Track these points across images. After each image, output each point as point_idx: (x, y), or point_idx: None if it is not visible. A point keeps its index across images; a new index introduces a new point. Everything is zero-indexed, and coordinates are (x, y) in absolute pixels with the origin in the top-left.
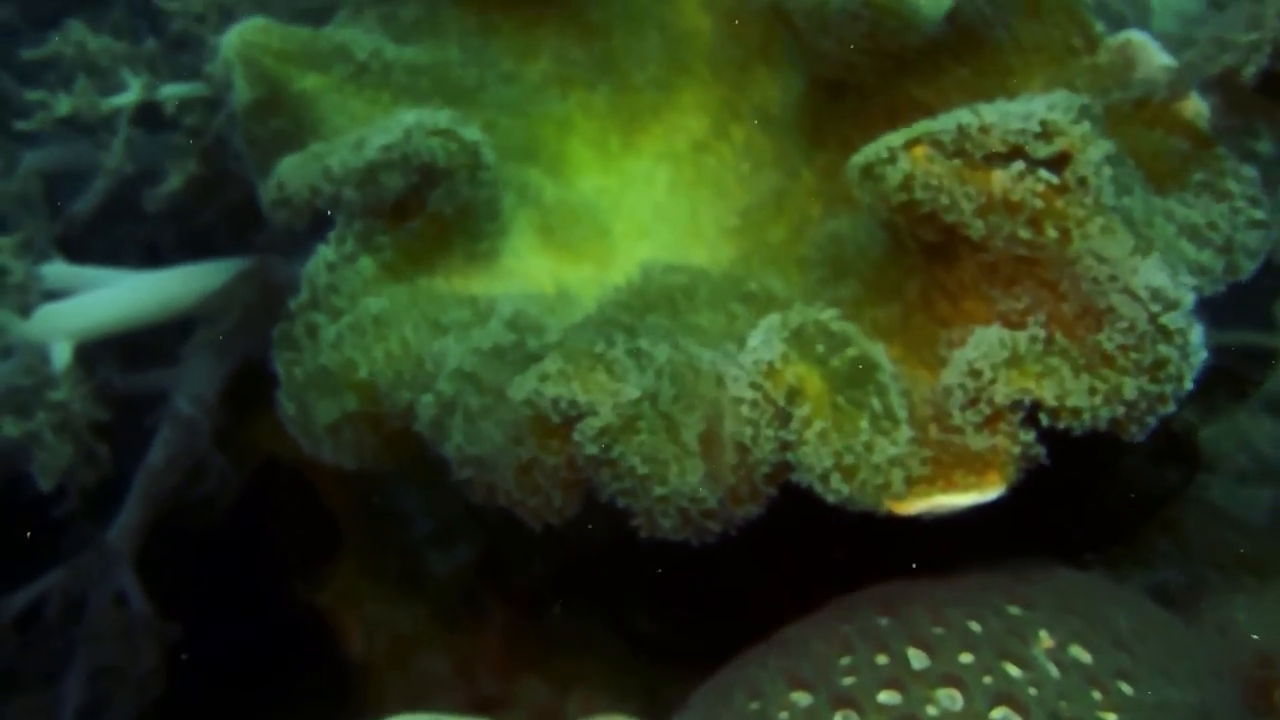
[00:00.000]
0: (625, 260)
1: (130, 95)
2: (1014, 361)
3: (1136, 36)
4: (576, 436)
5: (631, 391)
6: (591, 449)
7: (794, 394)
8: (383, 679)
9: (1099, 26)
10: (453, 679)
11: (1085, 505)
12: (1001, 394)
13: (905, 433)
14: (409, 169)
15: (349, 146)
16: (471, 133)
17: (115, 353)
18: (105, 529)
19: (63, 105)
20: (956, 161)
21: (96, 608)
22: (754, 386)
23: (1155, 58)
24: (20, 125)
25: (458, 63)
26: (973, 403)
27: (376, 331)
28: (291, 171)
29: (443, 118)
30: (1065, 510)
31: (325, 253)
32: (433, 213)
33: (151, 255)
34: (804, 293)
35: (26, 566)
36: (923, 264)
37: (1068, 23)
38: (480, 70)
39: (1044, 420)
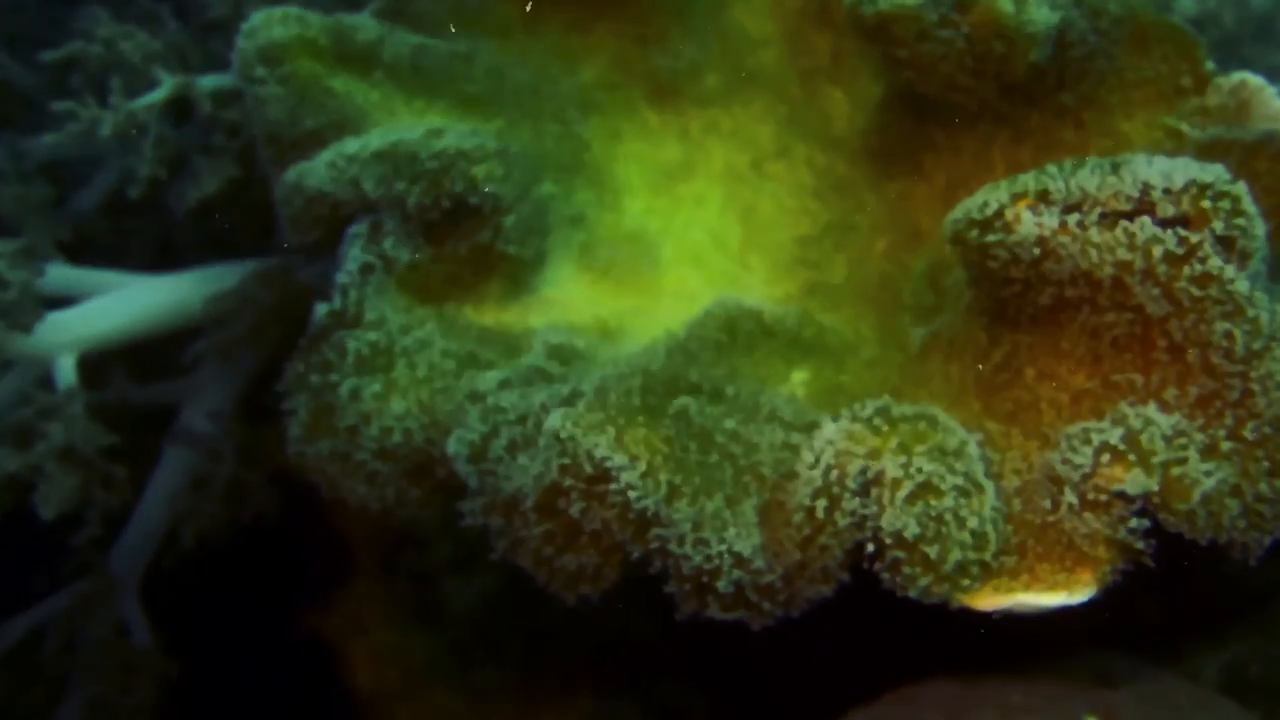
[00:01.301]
0: (673, 292)
1: (161, 92)
2: (1129, 447)
3: (1252, 79)
4: (615, 494)
5: (678, 453)
6: (635, 504)
7: (874, 468)
8: (391, 713)
9: (1210, 65)
10: (466, 716)
11: (1177, 598)
12: (1106, 483)
13: (990, 507)
14: (449, 191)
15: (380, 158)
16: (518, 156)
17: (126, 362)
18: (107, 554)
19: (106, 125)
20: (1072, 217)
21: (96, 638)
22: (834, 457)
23: (1273, 102)
24: (49, 138)
25: (503, 64)
26: (1072, 489)
27: (409, 361)
28: (313, 179)
29: (488, 138)
30: (1154, 602)
31: (355, 266)
32: (471, 236)
33: (164, 253)
34: (870, 340)
35: (26, 592)
36: (1017, 324)
37: (1177, 58)
38: (526, 73)
39: (1163, 518)
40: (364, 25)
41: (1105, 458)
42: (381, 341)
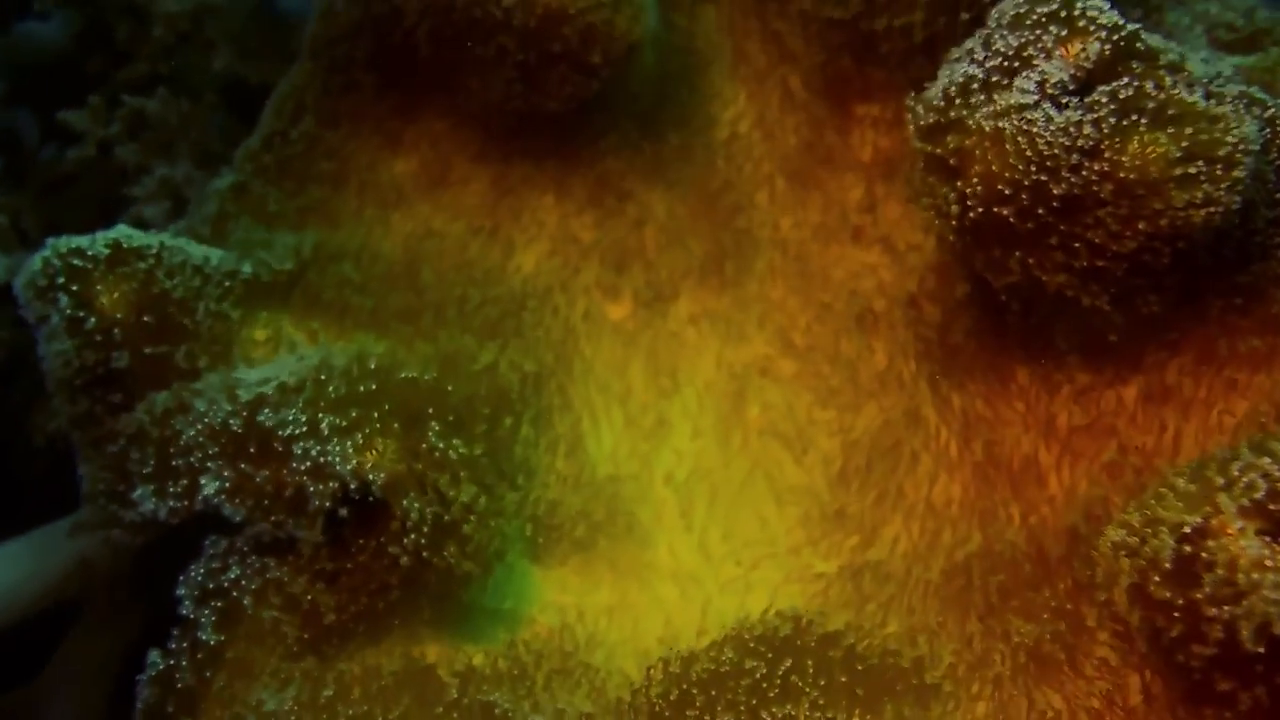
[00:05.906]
0: (666, 571)
1: None
2: None
3: None
4: None
5: None
6: None
7: None
8: None
9: None
10: None
11: None
12: None
13: None
14: (325, 494)
15: (225, 444)
16: (434, 432)
17: None
18: None
19: None
20: None
21: None
22: None
23: None
24: None
25: (405, 254)
26: None
27: None
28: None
29: (392, 414)
30: None
31: (192, 618)
32: (371, 551)
33: (12, 506)
34: (950, 671)
35: None
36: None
37: None
38: (439, 264)
39: None
40: (208, 247)
41: None
42: None
